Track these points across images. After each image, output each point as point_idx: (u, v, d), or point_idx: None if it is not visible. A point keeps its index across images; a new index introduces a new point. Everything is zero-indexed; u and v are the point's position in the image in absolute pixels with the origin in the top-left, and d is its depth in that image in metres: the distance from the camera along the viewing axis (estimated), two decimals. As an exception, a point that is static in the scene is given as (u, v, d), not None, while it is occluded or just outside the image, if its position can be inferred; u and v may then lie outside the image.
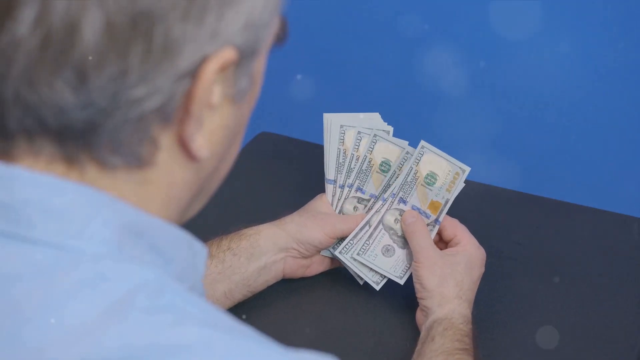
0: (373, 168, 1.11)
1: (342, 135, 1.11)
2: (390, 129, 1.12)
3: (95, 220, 0.53)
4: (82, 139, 0.52)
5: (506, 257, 1.16)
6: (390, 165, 1.11)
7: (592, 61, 1.84)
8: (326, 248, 1.09)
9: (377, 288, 1.07)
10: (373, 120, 1.12)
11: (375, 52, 1.98)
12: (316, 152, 1.34)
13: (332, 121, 1.11)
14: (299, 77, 1.97)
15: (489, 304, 1.08)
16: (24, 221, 0.52)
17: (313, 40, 1.99)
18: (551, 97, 1.89)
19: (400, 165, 1.09)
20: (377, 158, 1.11)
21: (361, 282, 1.09)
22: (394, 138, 1.12)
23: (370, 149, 1.11)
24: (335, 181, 1.10)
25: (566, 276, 1.14)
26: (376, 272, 1.06)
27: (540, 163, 1.93)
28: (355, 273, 1.08)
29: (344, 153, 1.11)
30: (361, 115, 1.12)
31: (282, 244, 1.05)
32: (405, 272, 1.06)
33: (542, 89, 1.89)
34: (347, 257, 1.07)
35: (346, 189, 1.11)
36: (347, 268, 1.08)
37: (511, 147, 1.94)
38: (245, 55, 0.55)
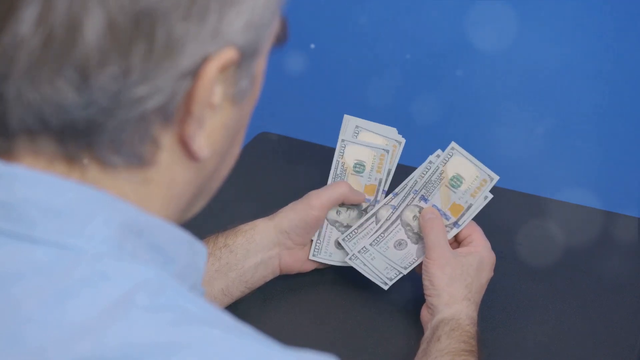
0: (347, 171, 1.11)
1: (356, 135, 1.11)
2: (403, 140, 1.12)
3: (95, 219, 0.53)
4: (83, 138, 0.52)
5: (506, 257, 1.16)
6: (364, 166, 1.11)
7: (593, 61, 1.84)
8: (317, 227, 1.07)
9: (386, 288, 1.06)
10: (389, 132, 1.12)
11: (376, 52, 1.98)
12: (316, 152, 1.34)
13: (350, 121, 1.12)
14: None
15: (489, 304, 1.08)
16: (25, 220, 0.52)
17: (314, 40, 1.99)
18: (551, 97, 1.89)
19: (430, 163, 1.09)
20: (350, 161, 1.11)
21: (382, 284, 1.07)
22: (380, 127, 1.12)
23: (341, 153, 1.11)
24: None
25: (566, 276, 1.14)
26: (383, 271, 1.06)
27: (540, 163, 1.93)
28: (367, 272, 1.07)
29: (343, 165, 1.11)
30: (380, 126, 1.12)
31: (274, 238, 1.05)
32: (411, 265, 1.06)
33: (542, 89, 1.89)
34: (356, 262, 1.07)
35: None
36: (356, 269, 1.08)
37: (511, 147, 1.94)
38: (246, 56, 0.55)
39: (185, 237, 0.59)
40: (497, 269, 1.11)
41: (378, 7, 1.94)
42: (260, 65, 0.58)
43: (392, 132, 1.12)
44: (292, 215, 1.05)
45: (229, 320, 0.53)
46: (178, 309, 0.51)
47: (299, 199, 1.08)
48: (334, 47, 2.00)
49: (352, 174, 1.11)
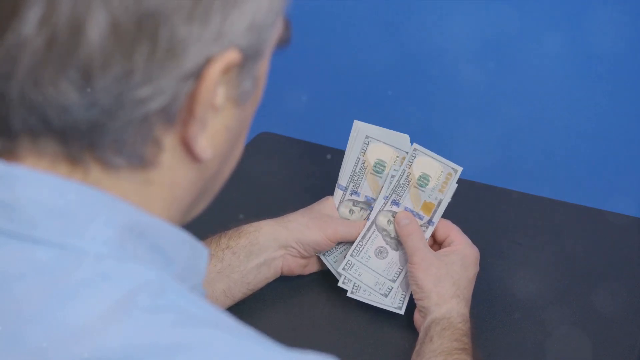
0: (367, 170, 1.11)
1: (365, 146, 1.11)
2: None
3: (97, 220, 0.53)
4: (86, 139, 0.52)
5: (506, 257, 1.16)
6: (384, 166, 1.10)
7: (593, 61, 1.84)
8: (325, 250, 1.09)
9: (402, 312, 1.06)
10: (400, 140, 1.11)
11: (375, 53, 1.98)
12: (316, 152, 1.34)
13: (360, 129, 1.11)
14: (298, 69, 1.97)
15: (488, 304, 1.08)
16: (26, 220, 0.52)
17: (314, 40, 1.99)
18: (551, 97, 1.89)
19: (396, 169, 1.09)
20: (371, 159, 1.11)
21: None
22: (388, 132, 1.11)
23: (364, 151, 1.11)
24: (346, 188, 1.10)
25: (566, 276, 1.14)
26: (374, 287, 1.06)
27: (540, 163, 1.93)
28: (374, 301, 1.07)
29: (363, 164, 1.11)
30: (391, 132, 1.11)
31: (283, 242, 1.05)
32: (399, 275, 1.06)
33: (542, 88, 1.89)
34: (360, 294, 1.06)
35: (347, 194, 1.11)
36: (364, 301, 1.07)
37: (511, 147, 1.94)
38: (249, 57, 0.55)
39: (187, 239, 0.59)
40: (497, 268, 1.11)
41: (379, 6, 1.94)
42: (263, 67, 0.58)
43: (404, 140, 1.11)
44: (307, 232, 1.05)
45: (230, 321, 0.53)
46: (179, 310, 0.51)
47: (313, 214, 1.08)
48: (334, 46, 2.01)
49: (371, 172, 1.11)
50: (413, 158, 1.07)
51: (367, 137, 1.10)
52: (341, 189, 1.10)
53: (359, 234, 1.08)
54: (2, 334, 0.49)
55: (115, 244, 0.53)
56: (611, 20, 1.78)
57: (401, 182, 1.07)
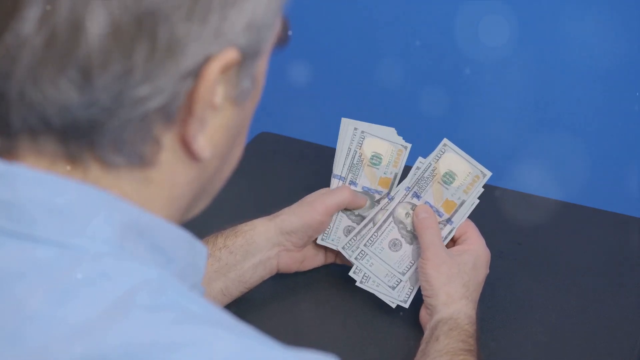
0: (364, 162, 1.11)
1: (362, 140, 1.11)
2: (409, 145, 1.12)
3: (96, 219, 0.53)
4: (85, 137, 0.53)
5: (506, 257, 1.16)
6: (381, 159, 1.11)
7: (593, 61, 1.84)
8: (321, 230, 1.07)
9: (406, 306, 1.05)
10: (388, 134, 1.12)
11: (375, 52, 1.98)
12: (316, 152, 1.34)
13: (349, 124, 1.11)
14: (298, 69, 1.97)
15: (489, 304, 1.08)
16: (26, 219, 0.52)
17: (314, 40, 1.99)
18: (551, 97, 1.89)
19: (421, 161, 1.09)
20: (367, 153, 1.11)
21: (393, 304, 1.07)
22: (381, 128, 1.12)
23: (360, 144, 1.11)
24: (345, 178, 1.10)
25: (566, 276, 1.14)
26: (384, 278, 1.06)
27: (540, 163, 1.93)
28: (381, 292, 1.06)
29: (360, 157, 1.11)
30: (377, 127, 1.12)
31: (275, 239, 1.05)
32: (409, 268, 1.06)
33: (543, 89, 1.89)
34: (369, 284, 1.06)
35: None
36: (371, 292, 1.07)
37: (511, 147, 1.94)
38: (247, 56, 0.55)
39: (186, 237, 0.59)
40: (497, 268, 1.11)
41: (378, 6, 1.94)
42: (261, 66, 0.58)
43: (392, 133, 1.12)
44: (294, 218, 1.05)
45: (230, 319, 0.53)
46: (179, 309, 0.51)
47: (301, 201, 1.08)
48: (334, 46, 2.01)
49: (368, 165, 1.11)
50: (442, 153, 1.07)
51: (362, 132, 1.11)
52: (337, 178, 1.10)
53: (348, 195, 1.07)
54: (2, 333, 0.50)
55: (114, 242, 0.53)
56: (613, 19, 1.78)
57: (425, 175, 1.07)
